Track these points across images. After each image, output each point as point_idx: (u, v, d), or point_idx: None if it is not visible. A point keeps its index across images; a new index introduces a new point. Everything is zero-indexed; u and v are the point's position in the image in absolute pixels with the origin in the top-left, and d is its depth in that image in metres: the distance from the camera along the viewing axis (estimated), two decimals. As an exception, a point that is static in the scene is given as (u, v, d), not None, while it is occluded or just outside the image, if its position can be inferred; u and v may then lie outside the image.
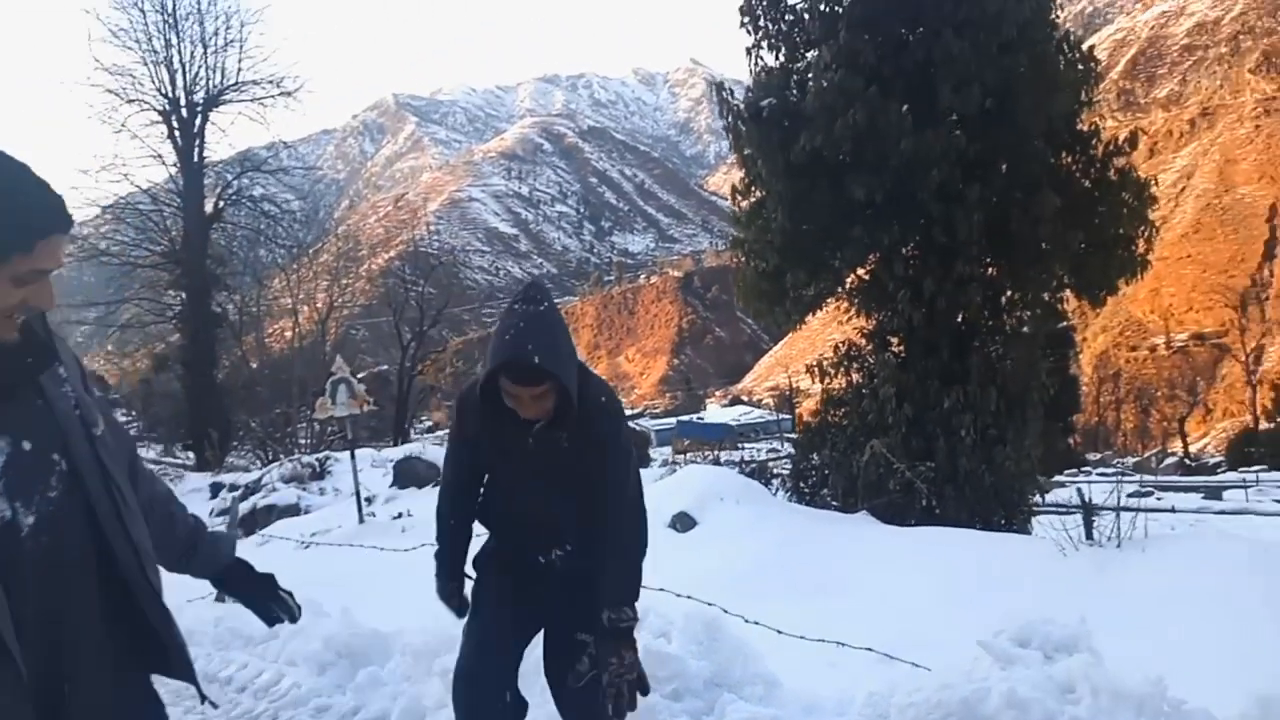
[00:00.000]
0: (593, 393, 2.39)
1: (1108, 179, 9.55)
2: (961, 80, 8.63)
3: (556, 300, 2.42)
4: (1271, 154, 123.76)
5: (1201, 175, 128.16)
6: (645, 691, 2.32)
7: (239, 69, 24.27)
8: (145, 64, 23.42)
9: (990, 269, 9.53)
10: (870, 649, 3.84)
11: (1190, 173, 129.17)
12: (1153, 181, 9.95)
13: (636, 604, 2.34)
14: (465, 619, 2.59)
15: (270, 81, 24.41)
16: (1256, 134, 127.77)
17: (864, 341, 10.00)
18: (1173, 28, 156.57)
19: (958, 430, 8.55)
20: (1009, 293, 9.65)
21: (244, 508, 10.16)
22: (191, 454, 22.85)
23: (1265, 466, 34.72)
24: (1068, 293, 9.96)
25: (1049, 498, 11.68)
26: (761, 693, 3.49)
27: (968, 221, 8.67)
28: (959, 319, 9.34)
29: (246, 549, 8.34)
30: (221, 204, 24.42)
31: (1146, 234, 9.47)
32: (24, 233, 1.30)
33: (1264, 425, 44.75)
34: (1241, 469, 33.82)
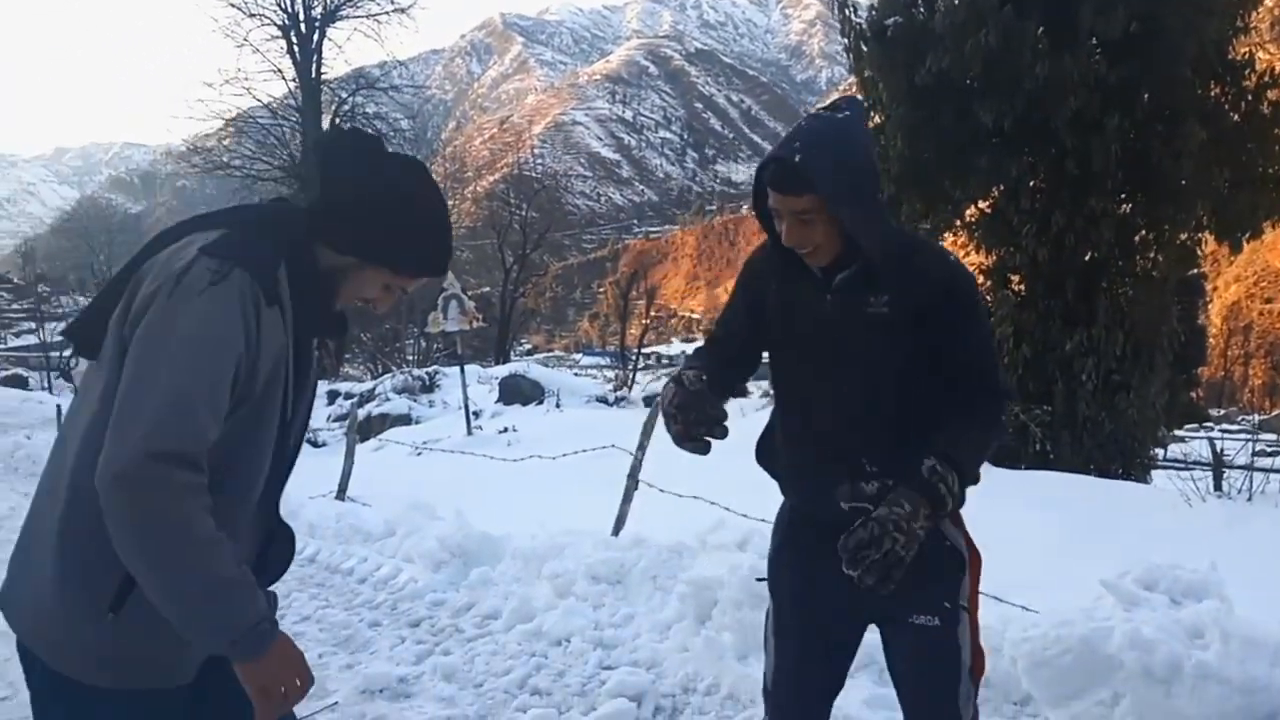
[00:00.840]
0: (934, 248, 1.87)
1: (1260, 113, 8.85)
2: (1105, 1, 8.05)
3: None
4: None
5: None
6: (894, 577, 1.62)
7: (355, -16, 24.56)
8: (267, -23, 23.93)
9: (1125, 206, 9.00)
10: (981, 591, 3.79)
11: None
12: (1312, 117, 9.17)
13: (966, 488, 1.72)
14: (768, 621, 2.02)
15: (385, -3, 24.64)
16: None
17: (982, 278, 9.64)
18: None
19: (1079, 374, 8.22)
20: (1143, 232, 9.11)
21: (360, 414, 10.64)
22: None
23: None
24: (1206, 235, 9.35)
25: (1170, 451, 11.18)
26: (868, 618, 3.49)
27: (1105, 153, 8.18)
28: (1087, 258, 8.89)
29: (364, 453, 8.74)
30: (337, 120, 25.00)
31: (1302, 176, 8.78)
32: (423, 264, 1.52)
33: None
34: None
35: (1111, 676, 2.62)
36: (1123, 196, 8.93)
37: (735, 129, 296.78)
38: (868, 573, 1.61)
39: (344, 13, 24.76)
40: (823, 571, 1.82)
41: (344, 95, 25.67)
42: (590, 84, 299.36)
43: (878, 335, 1.78)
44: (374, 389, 12.42)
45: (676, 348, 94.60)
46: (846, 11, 9.47)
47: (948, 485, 1.67)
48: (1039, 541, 4.95)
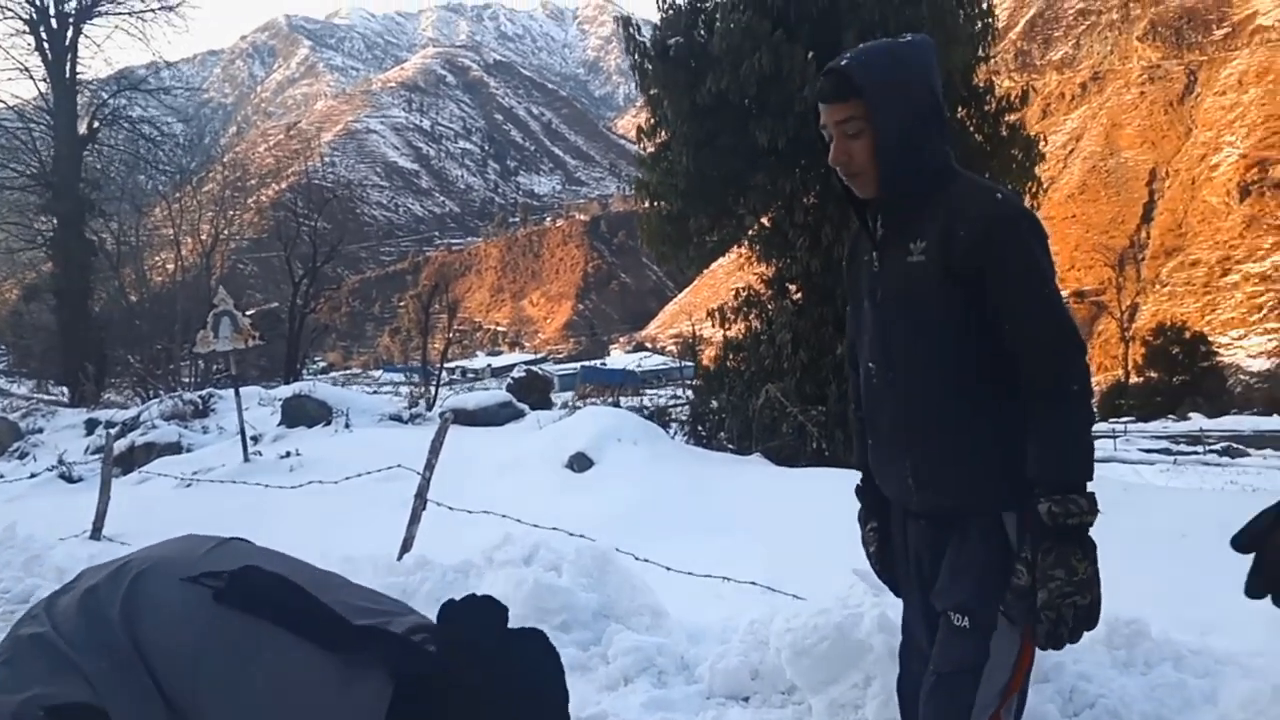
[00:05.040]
0: (980, 185, 1.68)
1: (999, 134, 9.87)
2: (864, 28, 8.71)
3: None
4: (1153, 120, 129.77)
5: (1089, 138, 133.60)
6: (1093, 623, 1.56)
7: (115, -23, 22.58)
8: (7, -33, 21.55)
9: (886, 219, 9.76)
10: (754, 582, 3.97)
11: (1079, 135, 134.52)
12: (1041, 139, 10.33)
13: (1089, 488, 1.55)
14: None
15: (150, -7, 22.81)
16: (1141, 100, 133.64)
17: (764, 288, 10.16)
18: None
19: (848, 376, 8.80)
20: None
21: (121, 445, 9.71)
22: (65, 389, 21.70)
23: (1133, 418, 37.05)
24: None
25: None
26: (649, 623, 3.57)
27: (866, 171, 8.84)
28: (855, 267, 9.56)
29: (125, 487, 8.01)
30: (96, 124, 22.86)
31: (1034, 190, 9.85)
32: None
33: (1134, 380, 47.69)
34: (1111, 420, 36.08)
35: (862, 660, 2.80)
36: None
37: (536, 141, 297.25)
38: (1073, 637, 1.56)
39: (102, 8, 22.69)
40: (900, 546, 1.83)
41: (105, 96, 23.52)
42: (385, 91, 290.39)
43: (919, 289, 1.63)
44: (138, 416, 11.41)
45: (481, 361, 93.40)
46: (630, 30, 9.73)
47: (1076, 508, 1.52)
48: (813, 533, 5.25)
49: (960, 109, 9.90)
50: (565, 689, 1.35)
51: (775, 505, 5.85)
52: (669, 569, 4.14)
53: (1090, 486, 1.56)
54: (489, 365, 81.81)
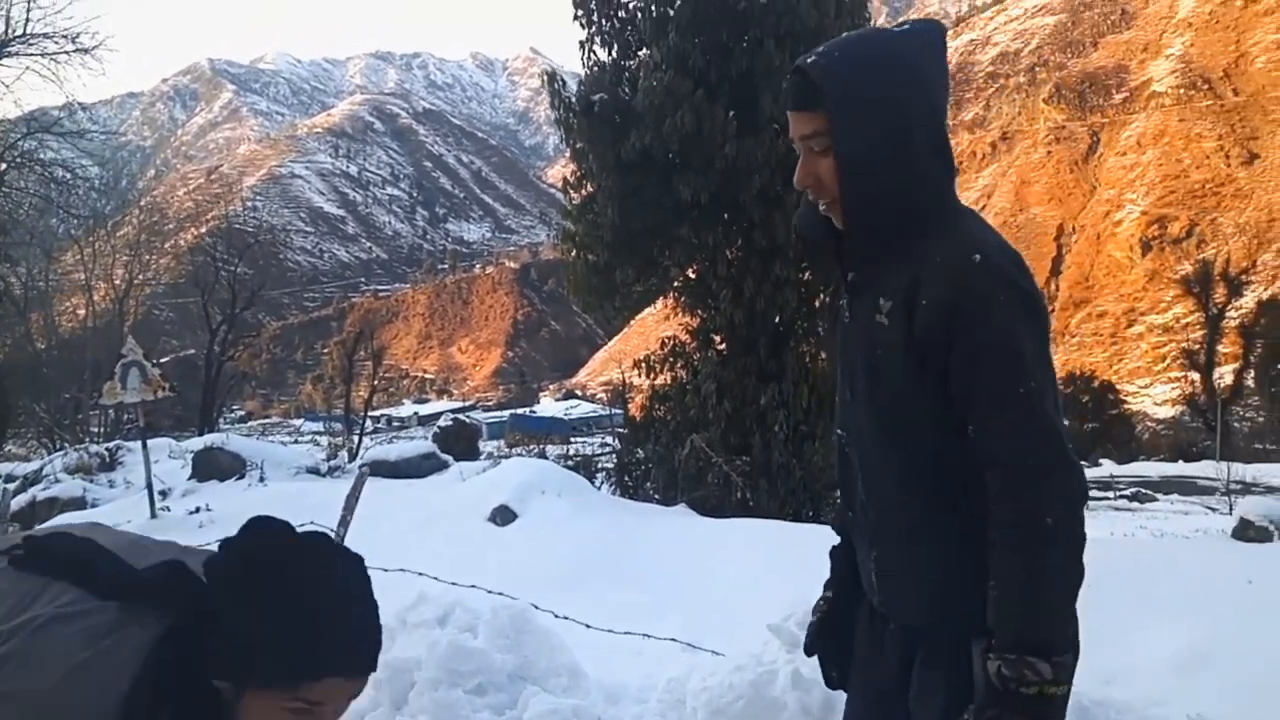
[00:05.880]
0: (961, 235, 1.31)
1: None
2: (779, 91, 8.99)
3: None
4: (1060, 178, 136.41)
5: (1000, 195, 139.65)
6: None
7: (27, 19, 21.95)
8: (-91, 2, 20.84)
9: (806, 273, 10.01)
10: (674, 639, 3.96)
11: (991, 192, 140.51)
12: (955, 198, 10.76)
13: (1063, 656, 1.25)
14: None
15: (65, 36, 22.18)
16: (1048, 159, 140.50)
17: (689, 339, 10.28)
18: (979, 55, 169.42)
19: (772, 426, 8.94)
20: (823, 296, 10.17)
21: (21, 501, 9.23)
22: (-38, 441, 20.61)
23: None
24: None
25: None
26: (566, 683, 3.52)
27: (786, 226, 9.07)
28: (776, 319, 9.76)
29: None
30: (4, 166, 22.07)
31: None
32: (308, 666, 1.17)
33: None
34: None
35: (777, 717, 2.81)
36: (804, 265, 9.94)
37: (466, 189, 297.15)
38: None
39: (12, 49, 22.04)
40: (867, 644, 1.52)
41: (15, 138, 22.76)
42: (310, 136, 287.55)
43: (883, 358, 1.32)
44: (41, 469, 10.88)
45: (408, 409, 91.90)
46: (556, 85, 9.87)
47: (1033, 677, 1.20)
48: (733, 586, 5.27)
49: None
50: (352, 600, 1.27)
51: (697, 558, 5.86)
52: (588, 626, 4.10)
53: (1064, 652, 1.24)
54: (415, 413, 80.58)
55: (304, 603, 1.21)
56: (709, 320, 10.09)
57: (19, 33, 21.91)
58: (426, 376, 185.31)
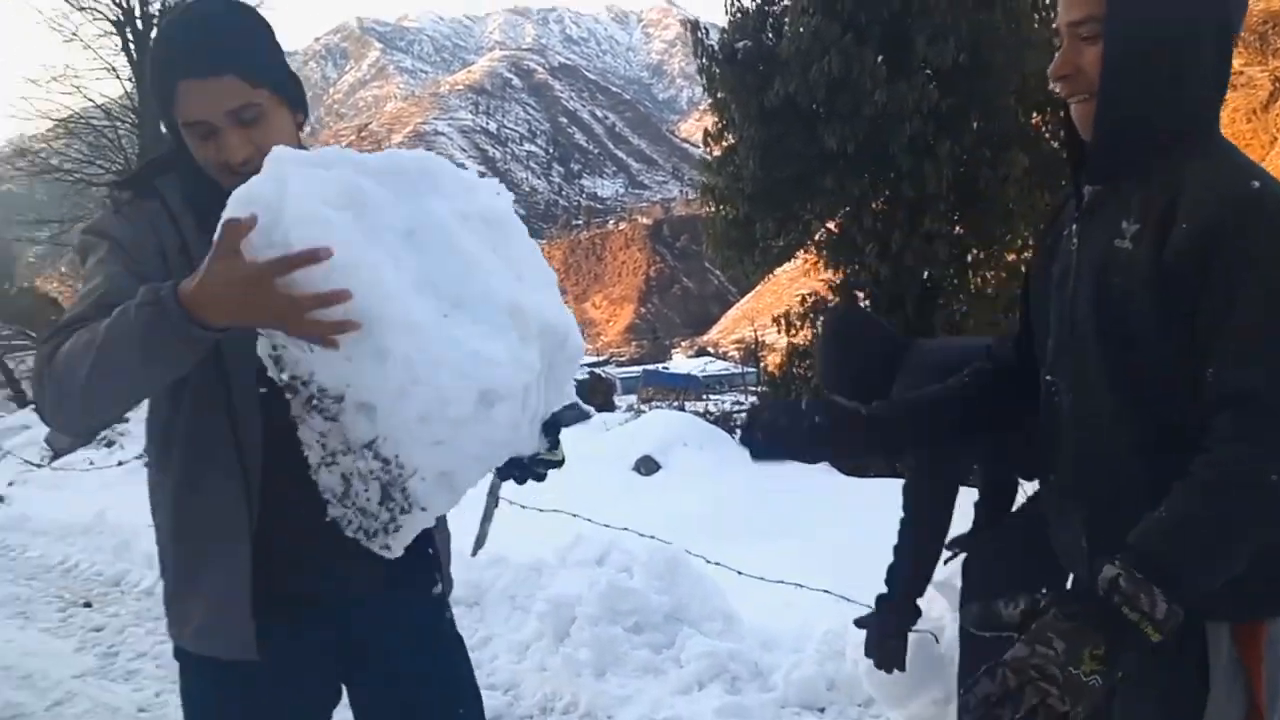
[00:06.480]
0: (1232, 161, 1.17)
1: (1078, 142, 9.64)
2: (936, 32, 8.61)
3: None
4: (1235, 128, 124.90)
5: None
6: None
7: (186, -20, 23.39)
8: (96, -34, 22.46)
9: (958, 226, 9.62)
10: (828, 590, 3.94)
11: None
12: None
13: (1182, 609, 1.04)
14: None
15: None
16: (1223, 107, 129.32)
17: (831, 295, 10.09)
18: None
19: (918, 386, 8.70)
20: (975, 251, 9.76)
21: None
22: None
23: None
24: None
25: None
26: (721, 628, 3.58)
27: (937, 176, 8.73)
28: (925, 275, 9.44)
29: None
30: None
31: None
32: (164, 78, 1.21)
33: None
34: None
35: (943, 675, 2.77)
36: (956, 218, 9.55)
37: (600, 144, 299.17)
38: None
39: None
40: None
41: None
42: (453, 94, 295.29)
43: (1119, 288, 1.15)
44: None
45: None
46: (698, 34, 9.75)
47: (1138, 606, 1.03)
48: (885, 544, 5.19)
49: (1037, 115, 9.72)
50: (192, 9, 1.29)
51: (845, 514, 5.79)
52: (740, 573, 4.14)
53: (1188, 606, 1.06)
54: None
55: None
56: (852, 276, 9.87)
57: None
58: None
